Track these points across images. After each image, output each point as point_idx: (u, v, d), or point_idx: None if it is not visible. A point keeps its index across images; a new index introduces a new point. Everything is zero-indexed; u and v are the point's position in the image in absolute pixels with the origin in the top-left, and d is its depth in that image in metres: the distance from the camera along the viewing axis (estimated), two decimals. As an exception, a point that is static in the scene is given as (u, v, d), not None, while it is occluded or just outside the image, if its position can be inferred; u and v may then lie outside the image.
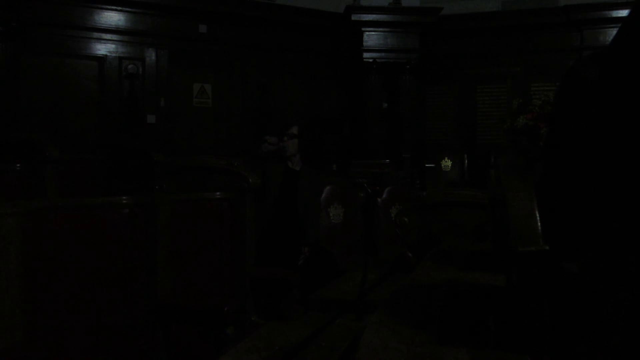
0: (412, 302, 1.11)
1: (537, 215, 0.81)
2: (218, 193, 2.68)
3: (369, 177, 5.36)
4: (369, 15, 6.77)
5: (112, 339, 2.00)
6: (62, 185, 3.61)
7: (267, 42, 6.90)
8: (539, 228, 0.79)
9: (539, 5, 6.99)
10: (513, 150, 5.35)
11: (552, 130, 1.13)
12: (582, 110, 0.91)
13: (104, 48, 6.15)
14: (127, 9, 6.21)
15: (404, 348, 0.77)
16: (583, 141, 0.90)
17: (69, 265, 1.86)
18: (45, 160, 3.49)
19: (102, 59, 6.14)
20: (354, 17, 6.74)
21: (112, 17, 6.16)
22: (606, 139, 0.84)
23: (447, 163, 7.01)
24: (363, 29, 6.78)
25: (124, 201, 2.14)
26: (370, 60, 6.78)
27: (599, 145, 0.86)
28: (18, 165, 3.46)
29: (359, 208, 4.40)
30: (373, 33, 6.81)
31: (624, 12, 6.69)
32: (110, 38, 6.17)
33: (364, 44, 6.80)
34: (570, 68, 1.01)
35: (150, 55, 6.37)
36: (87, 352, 1.90)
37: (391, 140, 6.92)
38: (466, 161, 7.01)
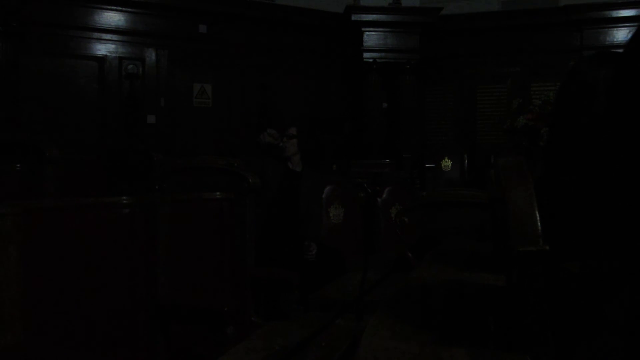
0: (412, 302, 1.11)
1: (537, 215, 0.81)
2: (218, 193, 2.68)
3: (369, 177, 5.36)
4: (369, 15, 6.77)
5: (112, 339, 2.00)
6: (62, 185, 3.61)
7: (267, 42, 6.90)
8: (539, 228, 0.79)
9: (539, 5, 6.99)
10: (513, 150, 5.36)
11: (552, 130, 1.13)
12: (584, 110, 0.91)
13: (104, 48, 6.15)
14: (127, 9, 6.21)
15: (404, 348, 0.77)
16: (584, 141, 0.90)
17: (69, 265, 1.86)
18: (45, 161, 3.48)
19: (102, 59, 6.14)
20: (354, 17, 6.74)
21: (112, 17, 6.16)
22: (613, 138, 0.83)
23: (447, 163, 7.00)
24: (363, 29, 6.77)
25: (124, 201, 2.14)
26: (370, 60, 6.78)
27: (601, 144, 0.86)
28: (18, 165, 3.46)
29: (359, 208, 4.39)
30: (373, 33, 6.81)
31: (624, 12, 6.69)
32: (110, 38, 6.18)
33: (364, 44, 6.80)
34: (571, 68, 1.01)
35: (150, 55, 6.37)
36: (86, 352, 1.90)
37: (391, 140, 6.92)
38: (466, 161, 7.01)
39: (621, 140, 0.82)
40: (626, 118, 0.79)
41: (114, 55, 6.19)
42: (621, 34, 6.72)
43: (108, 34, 6.16)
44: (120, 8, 6.17)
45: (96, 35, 6.11)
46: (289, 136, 3.63)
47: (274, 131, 3.79)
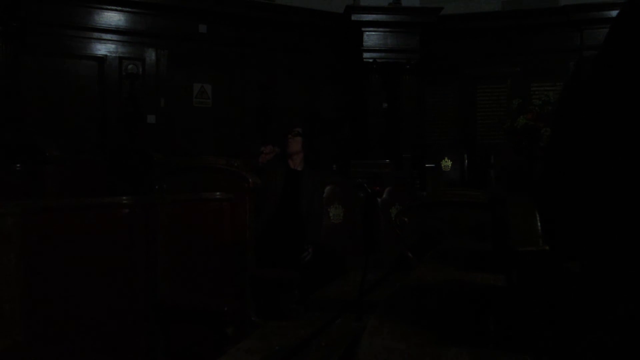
0: (412, 302, 1.11)
1: (537, 215, 0.81)
2: (218, 193, 2.68)
3: (369, 177, 5.36)
4: (369, 15, 6.77)
5: (112, 339, 2.00)
6: (62, 185, 3.61)
7: (267, 42, 6.91)
8: (539, 228, 0.79)
9: (539, 5, 6.99)
10: (513, 150, 5.36)
11: (554, 130, 1.13)
12: (581, 111, 0.91)
13: (104, 48, 6.16)
14: (127, 9, 6.21)
15: (404, 348, 0.77)
16: (583, 141, 0.90)
17: (69, 265, 1.86)
18: (45, 161, 3.49)
19: (102, 59, 6.14)
20: (354, 17, 6.74)
21: (112, 17, 6.17)
22: (603, 138, 0.84)
23: (447, 163, 7.00)
24: (363, 29, 6.78)
25: (124, 201, 2.14)
26: (370, 60, 6.78)
27: (598, 144, 0.86)
28: (18, 165, 3.46)
29: (359, 208, 4.39)
30: (373, 33, 6.81)
31: (624, 12, 6.69)
32: (110, 38, 6.18)
33: (364, 44, 6.80)
34: (575, 68, 1.01)
35: (150, 55, 6.37)
36: (86, 352, 1.90)
37: (391, 140, 6.92)
38: (466, 161, 7.01)
39: (619, 140, 0.82)
40: (610, 114, 0.79)
41: (114, 55, 6.19)
42: (621, 34, 6.71)
43: (108, 34, 6.16)
44: (120, 8, 6.17)
45: (96, 35, 6.11)
46: (294, 133, 3.63)
47: (268, 147, 3.83)
